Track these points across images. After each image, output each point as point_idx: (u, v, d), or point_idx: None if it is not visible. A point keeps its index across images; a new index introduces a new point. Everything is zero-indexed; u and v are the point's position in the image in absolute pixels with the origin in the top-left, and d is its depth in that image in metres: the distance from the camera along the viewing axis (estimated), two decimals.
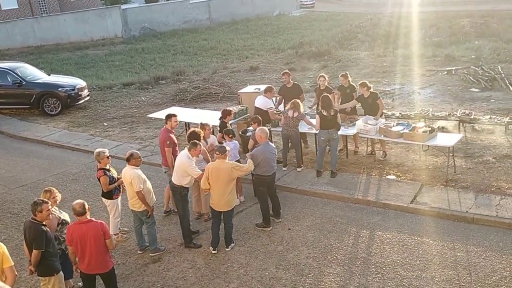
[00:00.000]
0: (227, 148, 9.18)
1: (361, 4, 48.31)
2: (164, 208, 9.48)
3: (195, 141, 8.07)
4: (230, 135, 9.37)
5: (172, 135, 9.03)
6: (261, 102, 11.16)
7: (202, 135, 8.55)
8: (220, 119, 10.31)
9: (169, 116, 9.12)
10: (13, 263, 5.65)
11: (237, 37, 32.51)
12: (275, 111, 11.22)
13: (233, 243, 8.12)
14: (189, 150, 7.96)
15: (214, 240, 8.01)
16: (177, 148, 9.04)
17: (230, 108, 10.85)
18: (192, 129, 8.74)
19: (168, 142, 8.81)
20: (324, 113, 9.86)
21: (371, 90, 10.71)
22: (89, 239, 6.13)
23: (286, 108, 10.59)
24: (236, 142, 9.59)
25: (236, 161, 9.35)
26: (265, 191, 8.52)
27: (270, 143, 8.44)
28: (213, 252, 7.96)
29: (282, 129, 10.54)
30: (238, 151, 9.55)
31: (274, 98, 11.91)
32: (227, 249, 7.99)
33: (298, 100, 10.34)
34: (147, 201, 7.69)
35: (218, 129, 10.20)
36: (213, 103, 17.02)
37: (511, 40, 22.75)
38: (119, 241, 8.37)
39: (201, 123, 9.44)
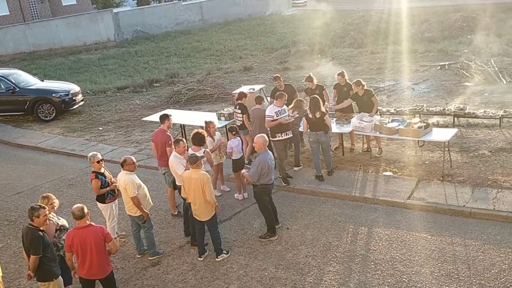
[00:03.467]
0: (233, 144, 9.34)
1: (352, 2, 48.30)
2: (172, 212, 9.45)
3: (178, 138, 8.16)
4: (233, 132, 9.45)
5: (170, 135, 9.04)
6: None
7: (206, 135, 8.55)
8: (237, 100, 10.56)
9: (166, 117, 9.12)
10: (0, 274, 5.60)
11: (230, 37, 32.49)
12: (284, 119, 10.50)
13: (226, 253, 7.86)
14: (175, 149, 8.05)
15: (200, 248, 7.90)
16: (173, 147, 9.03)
17: (245, 91, 10.96)
18: (195, 130, 8.68)
19: (170, 142, 8.75)
20: (310, 116, 9.77)
21: (365, 87, 10.73)
22: (90, 244, 6.10)
23: (289, 108, 10.49)
24: (239, 139, 9.64)
25: (241, 157, 9.49)
26: (268, 200, 8.31)
27: (269, 151, 8.29)
28: (199, 259, 7.84)
29: None
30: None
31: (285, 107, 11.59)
32: (217, 259, 7.76)
33: (301, 99, 10.20)
34: (142, 206, 7.66)
35: (237, 114, 10.50)
36: (208, 104, 17.02)
37: (503, 33, 22.84)
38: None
39: (206, 121, 9.47)
